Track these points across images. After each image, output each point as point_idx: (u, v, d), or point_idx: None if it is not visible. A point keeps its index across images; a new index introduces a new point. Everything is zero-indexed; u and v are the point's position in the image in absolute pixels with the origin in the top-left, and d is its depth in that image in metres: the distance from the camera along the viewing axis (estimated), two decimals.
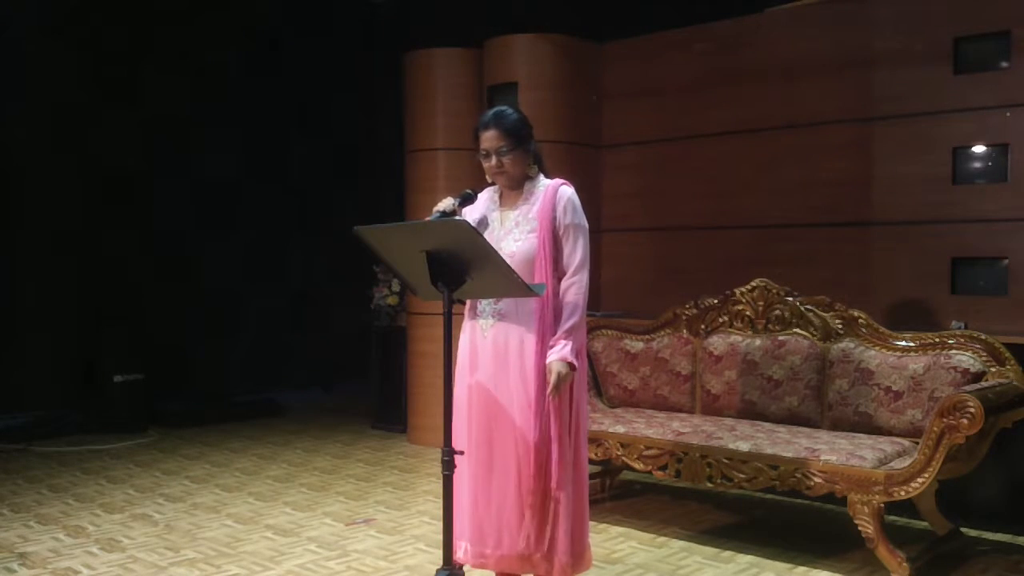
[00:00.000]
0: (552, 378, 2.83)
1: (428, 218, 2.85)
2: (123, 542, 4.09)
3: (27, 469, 5.50)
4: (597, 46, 5.92)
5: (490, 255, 2.60)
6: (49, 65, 6.82)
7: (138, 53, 7.20)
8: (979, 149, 4.53)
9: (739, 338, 4.42)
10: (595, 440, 4.26)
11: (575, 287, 2.92)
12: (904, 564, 3.43)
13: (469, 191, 2.98)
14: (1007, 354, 3.71)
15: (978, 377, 3.71)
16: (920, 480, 3.37)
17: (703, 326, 4.56)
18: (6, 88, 6.62)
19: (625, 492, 4.91)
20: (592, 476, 4.85)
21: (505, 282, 2.67)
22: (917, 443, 3.54)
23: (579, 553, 2.98)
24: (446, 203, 2.88)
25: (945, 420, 3.32)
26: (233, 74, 7.82)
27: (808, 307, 4.24)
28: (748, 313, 4.41)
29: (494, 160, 2.96)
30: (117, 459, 5.76)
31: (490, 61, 5.92)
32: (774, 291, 4.35)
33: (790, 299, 4.30)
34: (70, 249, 6.92)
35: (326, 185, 8.46)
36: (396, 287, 6.51)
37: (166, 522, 4.38)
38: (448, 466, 2.64)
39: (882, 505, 3.45)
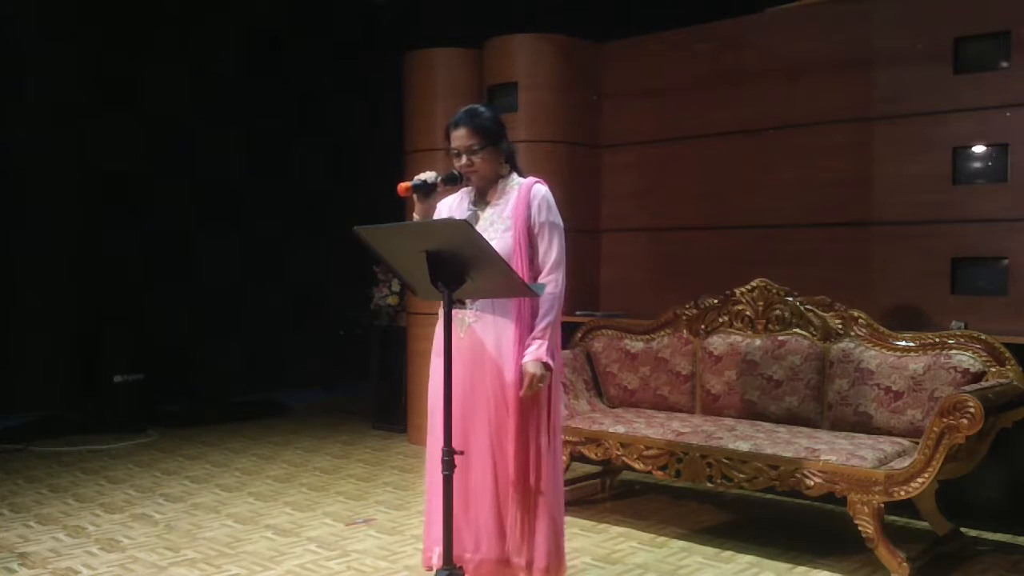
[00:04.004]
0: (526, 379, 2.82)
1: (409, 183, 2.86)
2: (123, 542, 4.09)
3: (27, 469, 5.49)
4: (597, 46, 5.92)
5: (490, 255, 2.59)
6: (49, 65, 6.82)
7: (138, 53, 7.20)
8: (979, 149, 4.53)
9: (739, 338, 4.42)
10: (595, 440, 4.26)
11: (551, 285, 2.90)
12: (904, 564, 3.43)
13: (455, 172, 2.96)
14: (1007, 354, 3.72)
15: (978, 377, 3.71)
16: (920, 480, 3.37)
17: (703, 326, 4.56)
18: (6, 88, 6.62)
19: (625, 492, 4.91)
20: (592, 476, 4.89)
21: (505, 282, 2.66)
22: (917, 443, 3.54)
23: (558, 557, 2.95)
24: (429, 174, 2.88)
25: (945, 420, 3.32)
26: (233, 74, 7.82)
27: (808, 307, 4.24)
28: (748, 313, 4.41)
29: (464, 159, 2.94)
30: (117, 459, 5.76)
31: (490, 61, 5.92)
32: (774, 291, 4.35)
33: (790, 299, 4.30)
34: (70, 249, 6.91)
35: (326, 185, 8.46)
36: (396, 287, 6.51)
37: (166, 522, 4.38)
38: (448, 466, 2.63)
39: (882, 505, 3.45)
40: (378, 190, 7.74)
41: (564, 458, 3.65)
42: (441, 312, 2.91)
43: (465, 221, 2.67)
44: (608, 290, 5.90)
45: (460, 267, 2.62)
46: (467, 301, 2.94)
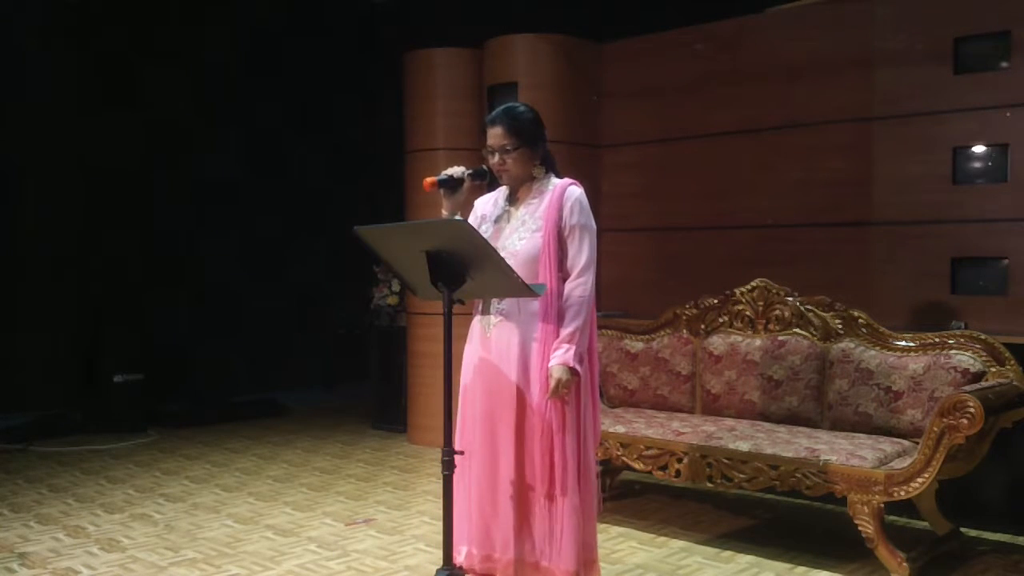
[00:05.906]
0: (552, 383, 2.79)
1: (436, 177, 2.85)
2: (123, 542, 4.09)
3: (27, 469, 5.50)
4: (597, 46, 5.92)
5: (490, 255, 2.59)
6: (49, 65, 6.82)
7: (138, 53, 7.20)
8: (979, 149, 4.53)
9: (739, 338, 4.42)
10: None
11: (580, 289, 2.86)
12: (904, 564, 3.44)
13: (484, 167, 2.94)
14: (1007, 354, 3.71)
15: (978, 377, 3.71)
16: (920, 480, 3.37)
17: (703, 326, 4.56)
18: (6, 88, 6.62)
19: (625, 492, 4.91)
20: None
21: (505, 282, 2.66)
22: (917, 443, 3.54)
23: (588, 562, 2.92)
24: (456, 169, 2.86)
25: (945, 420, 3.32)
26: (233, 74, 7.81)
27: (808, 307, 4.24)
28: (748, 313, 4.41)
29: (497, 157, 2.92)
30: (117, 459, 5.76)
31: (490, 61, 5.92)
32: (774, 291, 4.35)
33: (790, 299, 4.30)
34: (70, 249, 6.91)
35: (326, 185, 8.45)
36: (396, 287, 6.51)
37: (166, 522, 4.38)
38: (448, 466, 2.63)
39: (882, 505, 3.45)
40: (378, 190, 7.82)
41: None
42: (473, 315, 2.96)
43: (464, 221, 2.67)
44: (608, 290, 5.89)
45: (460, 267, 2.62)
46: (492, 302, 2.93)
